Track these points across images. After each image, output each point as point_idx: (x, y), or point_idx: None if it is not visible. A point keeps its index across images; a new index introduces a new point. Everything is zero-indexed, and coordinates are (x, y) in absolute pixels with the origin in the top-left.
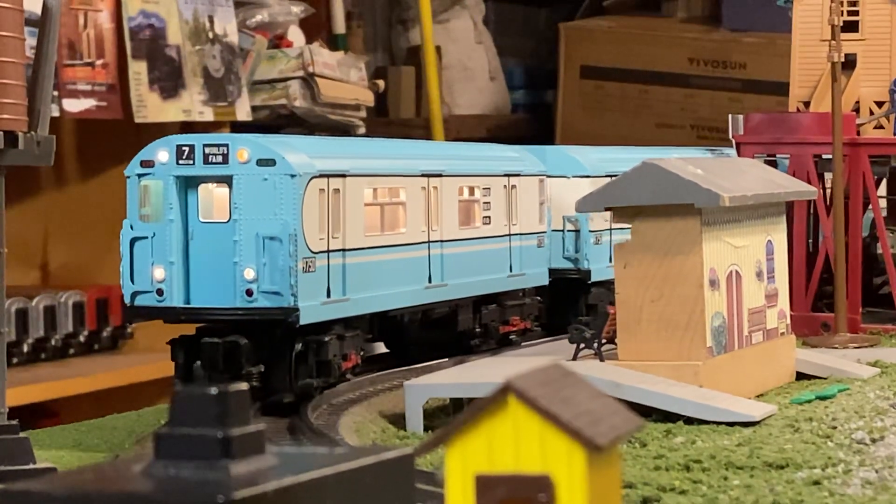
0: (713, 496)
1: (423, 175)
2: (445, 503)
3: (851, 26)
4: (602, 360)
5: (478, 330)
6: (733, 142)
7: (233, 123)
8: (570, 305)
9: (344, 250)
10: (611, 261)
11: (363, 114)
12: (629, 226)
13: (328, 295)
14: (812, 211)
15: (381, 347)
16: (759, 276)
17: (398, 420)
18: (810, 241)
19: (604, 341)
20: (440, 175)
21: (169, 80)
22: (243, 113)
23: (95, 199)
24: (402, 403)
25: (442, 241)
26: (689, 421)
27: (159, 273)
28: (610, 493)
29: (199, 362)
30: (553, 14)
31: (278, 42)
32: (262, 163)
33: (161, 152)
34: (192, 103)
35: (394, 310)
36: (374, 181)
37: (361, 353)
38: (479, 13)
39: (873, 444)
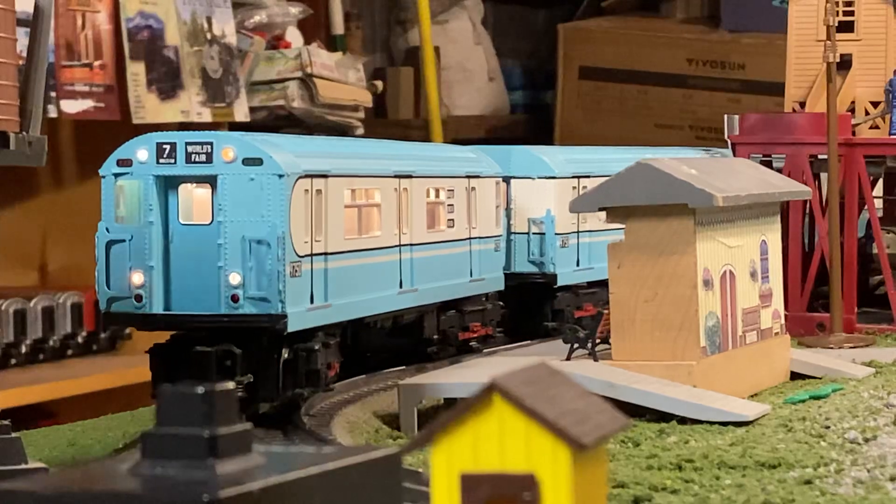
0: (704, 495)
1: (395, 176)
2: (431, 502)
3: (847, 26)
4: (596, 360)
5: (436, 337)
6: (729, 142)
7: (231, 124)
8: (535, 311)
9: (326, 254)
10: (578, 264)
11: (362, 115)
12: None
13: (311, 301)
14: (808, 211)
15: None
16: (754, 276)
17: (392, 420)
18: (806, 241)
19: (598, 341)
20: (410, 176)
21: (167, 81)
22: (241, 114)
23: (94, 200)
24: (396, 404)
25: (412, 244)
26: (683, 420)
27: (137, 278)
28: (595, 492)
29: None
30: (552, 15)
31: (276, 43)
32: (248, 162)
33: (140, 151)
34: (191, 104)
35: (369, 316)
36: (352, 182)
37: (340, 361)
38: (478, 14)
39: (866, 444)
